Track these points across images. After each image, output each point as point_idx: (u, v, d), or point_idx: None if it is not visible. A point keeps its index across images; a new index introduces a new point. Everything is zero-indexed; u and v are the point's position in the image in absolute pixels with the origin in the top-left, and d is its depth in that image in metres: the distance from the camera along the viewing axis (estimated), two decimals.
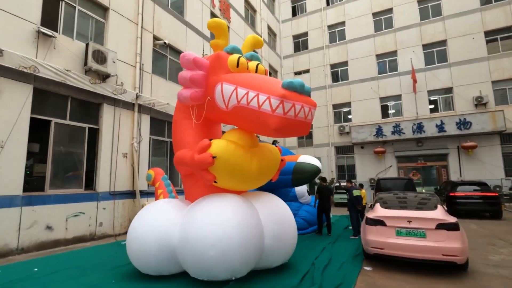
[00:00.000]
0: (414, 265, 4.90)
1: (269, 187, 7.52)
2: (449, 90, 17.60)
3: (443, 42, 18.05)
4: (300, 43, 23.54)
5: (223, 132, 5.37)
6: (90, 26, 8.41)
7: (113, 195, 8.26)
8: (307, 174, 7.13)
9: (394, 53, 19.43)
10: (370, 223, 5.04)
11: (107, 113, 8.38)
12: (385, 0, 20.03)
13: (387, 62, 19.69)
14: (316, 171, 7.19)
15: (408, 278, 4.41)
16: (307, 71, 22.62)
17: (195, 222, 4.08)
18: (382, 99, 19.42)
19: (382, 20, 20.22)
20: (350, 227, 8.41)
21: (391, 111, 19.21)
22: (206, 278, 4.04)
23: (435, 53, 18.26)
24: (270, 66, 20.77)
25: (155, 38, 10.45)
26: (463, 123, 16.06)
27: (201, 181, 4.65)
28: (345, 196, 14.37)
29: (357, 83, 20.27)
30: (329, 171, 20.15)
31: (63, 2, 7.67)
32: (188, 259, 4.01)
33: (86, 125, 7.93)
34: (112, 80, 8.46)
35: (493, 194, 10.86)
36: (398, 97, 18.94)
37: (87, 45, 7.71)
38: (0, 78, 6.06)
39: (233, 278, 4.05)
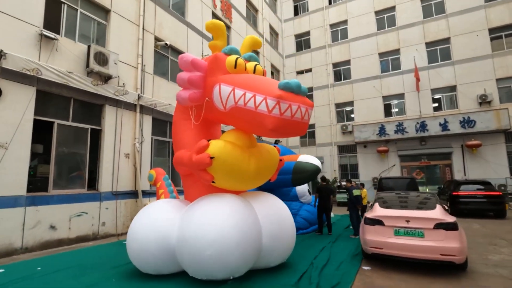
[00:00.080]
0: (413, 265, 4.89)
1: (270, 187, 7.56)
2: (452, 88, 17.44)
3: (447, 40, 17.88)
4: (302, 42, 23.49)
5: (223, 132, 5.41)
6: (92, 28, 8.52)
7: (116, 195, 8.36)
8: (307, 174, 7.15)
9: (397, 51, 19.30)
10: (368, 222, 5.05)
11: (109, 114, 8.48)
12: None
13: (389, 61, 19.57)
14: (316, 170, 7.20)
15: (406, 278, 4.41)
16: (309, 70, 22.57)
17: (193, 222, 4.13)
18: (385, 97, 19.31)
19: (385, 18, 20.09)
20: (351, 227, 8.40)
21: (394, 110, 19.09)
22: (204, 277, 4.09)
23: (439, 51, 18.10)
24: (272, 65, 20.78)
25: (157, 39, 10.54)
26: (467, 122, 15.91)
27: (200, 181, 4.70)
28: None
29: (360, 82, 20.17)
30: (331, 171, 20.12)
31: (65, 5, 7.77)
32: (186, 258, 4.06)
33: (89, 126, 8.04)
34: (114, 82, 8.55)
35: (497, 193, 10.77)
36: (401, 96, 18.82)
37: (89, 47, 7.81)
38: (4, 81, 6.18)
39: (231, 278, 4.09)
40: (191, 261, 4.03)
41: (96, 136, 8.29)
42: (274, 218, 4.64)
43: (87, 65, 7.75)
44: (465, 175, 16.22)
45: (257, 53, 18.52)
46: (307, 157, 7.47)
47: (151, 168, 9.36)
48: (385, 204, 5.41)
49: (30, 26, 6.77)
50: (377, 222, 4.92)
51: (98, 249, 6.58)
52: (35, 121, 6.74)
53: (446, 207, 5.77)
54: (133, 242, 4.34)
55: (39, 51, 6.91)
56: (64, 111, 7.53)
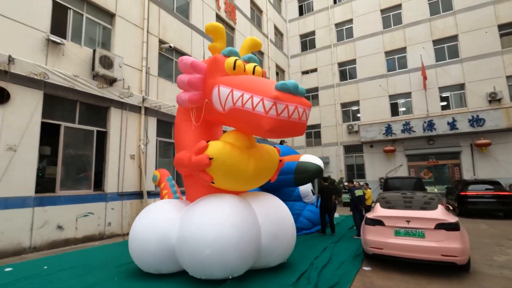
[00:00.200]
0: (415, 265, 4.85)
1: (272, 187, 7.61)
2: (461, 86, 17.13)
3: (454, 37, 17.58)
4: (308, 42, 23.43)
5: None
6: (97, 33, 8.70)
7: (121, 195, 8.51)
8: (309, 173, 7.15)
9: (403, 49, 19.07)
10: (369, 223, 5.03)
11: (115, 116, 8.64)
12: None
13: (396, 59, 19.35)
14: (318, 170, 7.19)
15: (406, 278, 4.38)
16: (314, 70, 22.50)
17: (192, 222, 4.19)
18: (391, 97, 19.10)
19: (391, 16, 19.88)
20: (355, 227, 8.34)
21: (401, 109, 18.86)
22: (204, 276, 4.14)
23: (446, 48, 17.82)
24: (277, 66, 20.78)
25: (161, 42, 10.68)
26: (476, 120, 15.61)
27: (200, 181, 4.76)
28: None
29: (366, 81, 20.00)
30: (337, 171, 20.00)
31: (71, 10, 7.96)
32: (186, 258, 4.12)
33: (95, 128, 8.21)
34: (119, 84, 8.71)
35: (506, 193, 10.53)
36: (408, 95, 18.59)
37: (94, 51, 7.98)
38: (12, 85, 6.37)
39: (230, 277, 4.14)
40: (190, 260, 4.09)
41: (102, 138, 8.46)
42: (274, 218, 4.66)
43: (93, 69, 7.92)
44: (474, 174, 15.91)
45: (261, 53, 18.58)
46: (309, 157, 7.47)
47: (156, 169, 9.49)
48: (386, 204, 5.37)
49: (37, 31, 6.96)
50: (377, 222, 4.90)
51: (103, 248, 6.72)
52: (43, 124, 6.93)
53: (451, 207, 5.71)
54: (134, 242, 4.43)
55: (46, 55, 7.10)
56: (70, 113, 7.72)
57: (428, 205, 5.03)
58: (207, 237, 3.97)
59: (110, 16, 9.01)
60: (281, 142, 16.78)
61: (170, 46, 10.78)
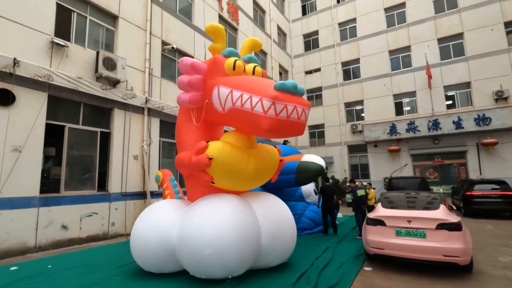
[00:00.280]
0: (417, 266, 4.80)
1: (274, 187, 7.61)
2: (467, 85, 16.90)
3: (460, 35, 17.36)
4: (311, 42, 23.35)
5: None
6: (101, 35, 8.80)
7: (125, 196, 8.59)
8: (310, 173, 7.13)
9: (407, 48, 18.89)
10: (370, 223, 5.00)
11: (118, 117, 8.73)
12: None
13: (400, 58, 19.17)
14: (320, 169, 7.17)
15: (407, 279, 4.35)
16: (318, 69, 22.41)
17: (192, 222, 4.22)
18: (395, 96, 18.93)
19: (395, 15, 19.71)
20: (357, 227, 8.30)
21: (405, 108, 18.67)
22: (204, 276, 4.17)
23: (451, 46, 17.59)
24: (280, 66, 20.77)
25: (164, 43, 10.76)
26: (482, 119, 15.39)
27: (200, 181, 4.78)
28: None
29: (370, 80, 19.85)
30: (341, 171, 19.89)
31: (75, 13, 8.07)
32: (186, 257, 4.15)
33: (98, 129, 8.31)
34: (122, 86, 8.80)
35: None
36: (412, 94, 18.40)
37: (97, 53, 8.07)
38: (17, 87, 6.49)
39: (230, 277, 4.15)
40: (190, 260, 4.12)
41: (106, 138, 8.56)
42: (274, 218, 4.66)
43: (96, 70, 8.01)
44: (480, 174, 15.68)
45: (264, 54, 18.59)
46: (311, 157, 7.45)
47: (159, 170, 9.55)
48: (387, 204, 5.33)
49: (42, 34, 7.07)
50: (378, 222, 4.87)
51: (106, 248, 6.80)
52: (47, 125, 7.04)
53: (454, 207, 5.64)
54: (136, 241, 4.48)
55: (50, 58, 7.21)
56: (74, 115, 7.82)
57: (430, 205, 4.98)
58: (207, 236, 3.99)
59: (113, 18, 9.11)
60: (284, 142, 16.76)
61: (173, 47, 10.85)
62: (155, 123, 9.99)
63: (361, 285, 4.16)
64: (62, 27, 7.71)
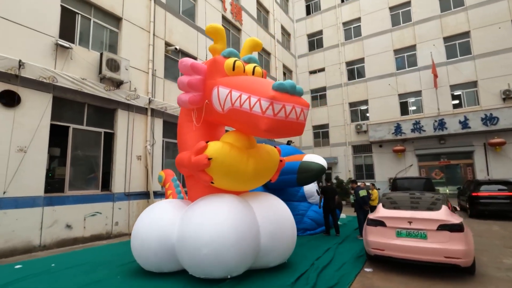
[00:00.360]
0: (418, 267, 4.75)
1: (276, 187, 7.61)
2: (473, 84, 16.67)
3: (466, 34, 17.13)
4: (315, 42, 23.29)
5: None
6: (105, 36, 8.90)
7: (128, 195, 8.68)
8: (312, 173, 7.10)
9: (413, 47, 18.71)
10: (370, 223, 4.96)
11: (122, 118, 8.82)
12: None
13: (405, 57, 19.00)
14: (321, 169, 7.14)
15: (407, 280, 4.30)
16: (322, 69, 22.34)
17: (192, 221, 4.24)
18: (400, 95, 18.77)
19: (400, 13, 19.55)
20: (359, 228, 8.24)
21: (411, 108, 18.50)
22: (203, 275, 4.18)
23: (458, 45, 17.38)
24: (284, 66, 20.73)
25: (167, 44, 10.84)
26: (489, 119, 15.16)
27: (200, 181, 4.81)
28: None
29: (374, 80, 19.72)
30: (346, 171, 19.77)
31: (79, 15, 8.19)
32: (185, 257, 4.18)
33: (102, 130, 8.41)
34: (126, 87, 8.89)
35: None
36: (418, 93, 18.22)
37: (101, 54, 8.17)
38: (23, 89, 6.60)
39: (229, 277, 4.16)
40: (189, 259, 4.14)
41: (109, 139, 8.65)
42: (274, 218, 4.66)
43: (100, 72, 8.11)
44: (488, 174, 15.44)
45: (268, 54, 18.58)
46: (313, 157, 7.42)
47: (162, 170, 9.62)
48: (389, 205, 5.28)
49: (46, 36, 7.18)
50: (379, 223, 4.83)
51: (109, 247, 6.87)
52: (52, 125, 7.15)
53: (458, 208, 5.57)
54: (136, 240, 4.52)
55: (55, 59, 7.32)
56: (78, 116, 7.93)
57: (432, 206, 4.92)
58: (206, 236, 4.01)
59: (117, 20, 9.21)
60: (288, 142, 16.75)
61: (176, 48, 10.92)
62: (158, 123, 10.07)
63: (360, 286, 4.13)
64: (67, 29, 7.82)
